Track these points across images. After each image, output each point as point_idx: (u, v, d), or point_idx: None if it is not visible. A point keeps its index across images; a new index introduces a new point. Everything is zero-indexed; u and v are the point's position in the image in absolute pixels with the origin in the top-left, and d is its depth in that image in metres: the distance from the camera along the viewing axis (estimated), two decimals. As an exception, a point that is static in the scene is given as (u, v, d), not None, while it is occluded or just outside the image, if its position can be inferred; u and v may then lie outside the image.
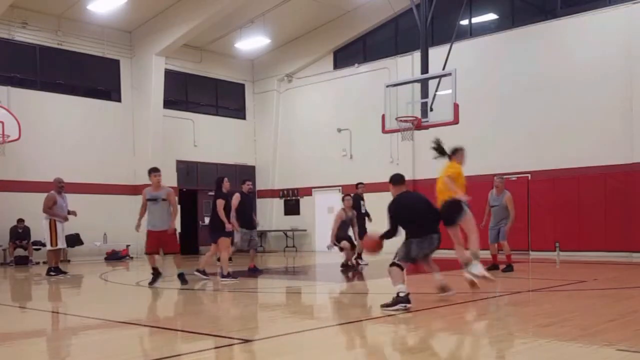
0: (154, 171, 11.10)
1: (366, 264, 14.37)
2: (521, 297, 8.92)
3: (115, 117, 20.79)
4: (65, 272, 13.43)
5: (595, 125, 16.98)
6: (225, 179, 12.14)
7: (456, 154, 9.64)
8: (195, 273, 11.88)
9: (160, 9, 19.89)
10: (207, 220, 17.59)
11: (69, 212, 13.45)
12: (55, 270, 13.22)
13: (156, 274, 10.97)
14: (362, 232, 14.77)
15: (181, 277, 10.84)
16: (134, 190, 20.87)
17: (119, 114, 20.92)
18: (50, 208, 13.05)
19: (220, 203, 11.69)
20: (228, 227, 11.71)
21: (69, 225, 14.14)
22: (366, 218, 15.00)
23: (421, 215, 7.77)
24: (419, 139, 18.51)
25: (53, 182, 13.53)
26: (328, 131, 22.56)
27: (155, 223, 10.90)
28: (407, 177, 19.68)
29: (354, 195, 15.15)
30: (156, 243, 10.90)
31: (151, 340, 5.97)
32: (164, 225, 10.92)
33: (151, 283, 10.89)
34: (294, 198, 24.07)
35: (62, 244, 13.43)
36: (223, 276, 11.49)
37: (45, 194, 13.46)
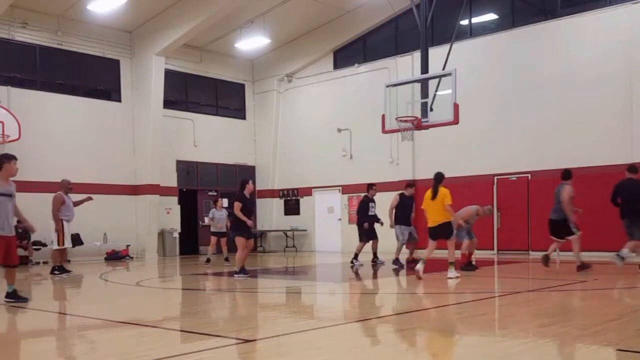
0: (13, 158, 8.81)
1: (361, 265, 14.34)
2: (521, 297, 8.91)
3: (115, 117, 20.78)
4: (69, 271, 13.58)
5: (595, 124, 16.98)
6: (250, 182, 12.36)
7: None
8: (236, 277, 11.93)
9: (160, 9, 19.88)
10: (206, 220, 17.61)
11: (88, 199, 13.66)
12: (59, 269, 13.31)
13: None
14: (371, 233, 14.75)
15: (13, 295, 8.77)
16: (134, 190, 20.89)
17: (119, 114, 20.91)
18: (58, 209, 13.11)
19: (237, 205, 11.81)
20: (250, 224, 11.90)
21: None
22: (376, 221, 14.94)
23: None
24: (419, 139, 18.54)
25: (61, 182, 13.52)
26: (328, 131, 22.56)
27: (10, 224, 8.65)
28: (407, 177, 19.76)
29: (363, 197, 15.14)
30: (4, 251, 8.48)
31: (151, 340, 5.96)
32: (12, 230, 8.75)
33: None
34: (294, 198, 24.07)
35: (68, 243, 13.55)
36: (236, 273, 11.87)
37: (45, 194, 13.47)
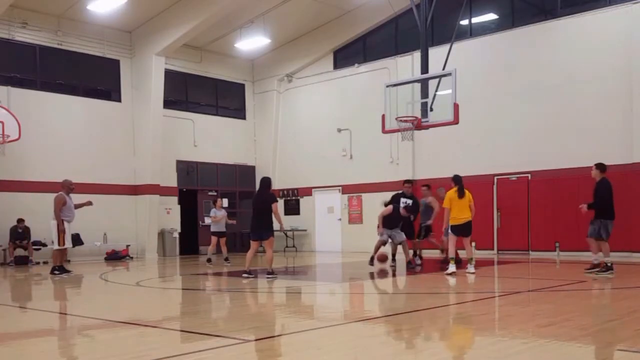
0: None
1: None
2: (521, 297, 8.92)
3: (115, 117, 20.79)
4: (69, 271, 13.56)
5: (595, 125, 16.99)
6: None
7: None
8: (244, 276, 11.88)
9: (160, 9, 19.89)
10: (207, 220, 17.59)
11: (87, 203, 13.63)
12: (59, 269, 13.31)
13: None
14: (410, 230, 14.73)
15: None
16: (134, 190, 20.90)
17: (119, 114, 20.91)
18: (60, 210, 13.10)
19: (276, 205, 12.10)
20: (284, 227, 12.10)
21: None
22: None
23: None
24: (419, 139, 18.55)
25: (62, 183, 13.49)
26: (328, 131, 22.58)
27: None
28: (407, 177, 19.80)
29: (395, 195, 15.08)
30: None
31: (151, 340, 5.97)
32: None
33: None
34: (294, 198, 24.08)
35: (68, 243, 13.53)
36: (268, 273, 11.87)
37: (45, 194, 13.45)
